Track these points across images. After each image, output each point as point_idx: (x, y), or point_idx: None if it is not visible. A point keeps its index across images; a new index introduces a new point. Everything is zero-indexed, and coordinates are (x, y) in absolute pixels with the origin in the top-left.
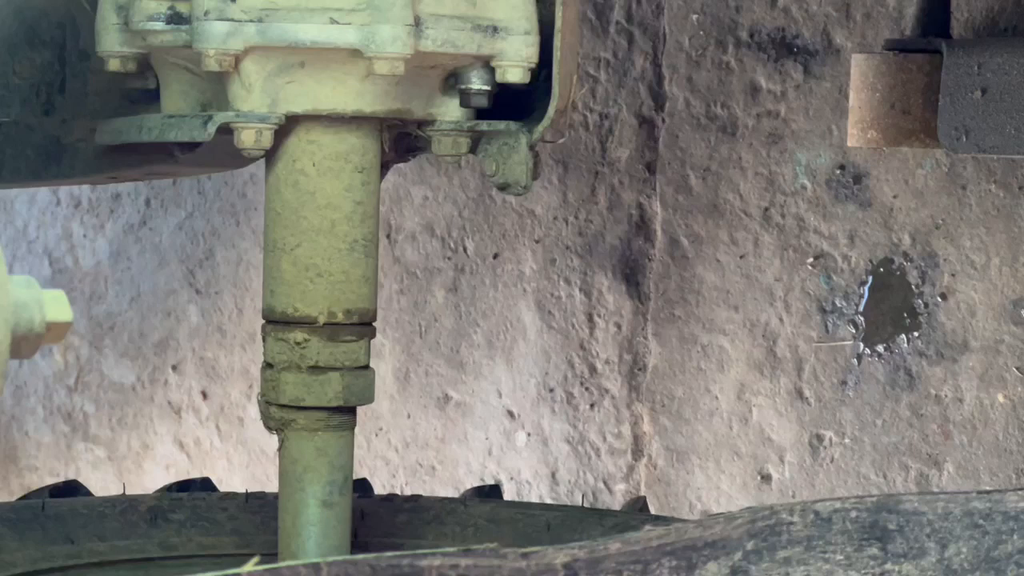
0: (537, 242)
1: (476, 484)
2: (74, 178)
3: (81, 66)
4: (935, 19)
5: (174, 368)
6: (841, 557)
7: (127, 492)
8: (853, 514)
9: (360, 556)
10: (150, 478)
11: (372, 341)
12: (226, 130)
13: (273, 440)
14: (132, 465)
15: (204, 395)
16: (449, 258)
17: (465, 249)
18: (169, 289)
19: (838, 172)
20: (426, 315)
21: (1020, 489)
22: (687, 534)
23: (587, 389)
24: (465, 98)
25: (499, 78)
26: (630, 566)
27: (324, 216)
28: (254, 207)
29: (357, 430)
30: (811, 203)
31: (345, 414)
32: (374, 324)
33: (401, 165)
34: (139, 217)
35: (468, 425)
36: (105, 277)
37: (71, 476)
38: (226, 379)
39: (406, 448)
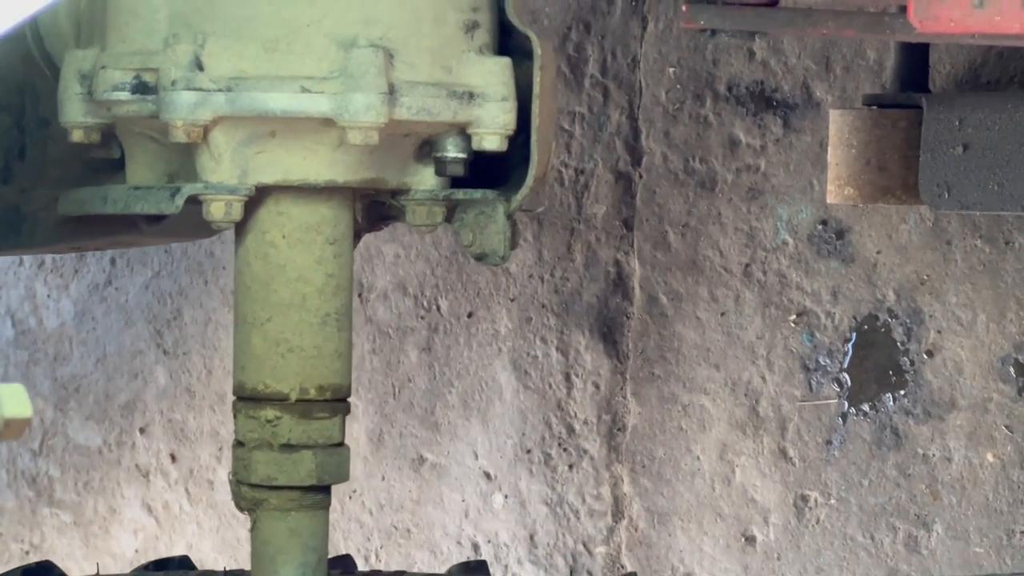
0: (512, 300)
1: (454, 546)
2: (35, 248)
3: (40, 133)
4: (915, 73)
5: (142, 431)
6: None
7: (99, 565)
8: None
9: None
10: (117, 543)
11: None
12: (193, 201)
13: None
14: (99, 530)
15: (173, 458)
16: (422, 317)
17: (439, 308)
18: (136, 350)
19: (820, 227)
20: (399, 375)
21: (1018, 573)
22: None
23: (565, 450)
24: (440, 166)
25: (475, 146)
26: None
27: (295, 289)
28: (222, 266)
29: None
30: (793, 259)
31: (319, 493)
32: (348, 400)
33: None
34: (104, 277)
35: (444, 487)
36: (70, 338)
37: (36, 542)
38: (195, 441)
39: (380, 511)
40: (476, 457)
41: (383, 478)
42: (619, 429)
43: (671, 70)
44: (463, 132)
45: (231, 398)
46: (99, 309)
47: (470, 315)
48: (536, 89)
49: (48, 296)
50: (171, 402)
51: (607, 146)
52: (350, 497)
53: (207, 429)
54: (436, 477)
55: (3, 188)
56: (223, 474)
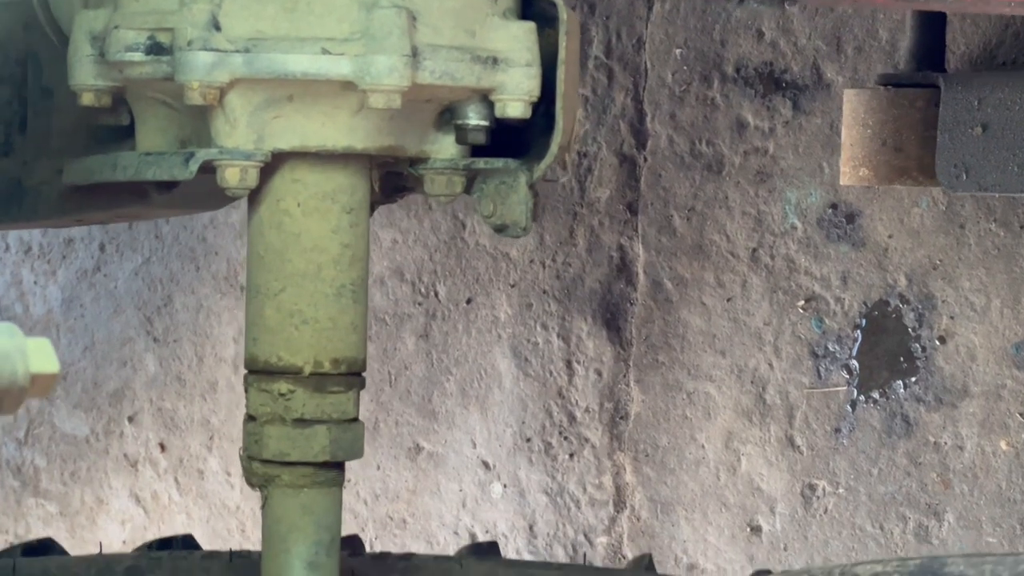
0: (512, 286)
1: (451, 536)
2: (36, 221)
3: (44, 105)
4: (930, 53)
5: (130, 419)
6: None
7: (101, 545)
8: None
9: None
10: (104, 534)
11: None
12: (206, 168)
13: (235, 493)
14: (85, 521)
15: (162, 447)
16: (420, 303)
17: (436, 294)
18: (125, 337)
19: (830, 211)
20: (396, 363)
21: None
22: None
23: (566, 438)
24: (462, 134)
25: (499, 113)
26: None
27: (310, 259)
28: (214, 252)
29: None
30: (802, 243)
31: (332, 469)
32: (363, 374)
33: None
34: (93, 263)
35: (441, 476)
36: (57, 325)
37: (21, 533)
38: (185, 430)
39: (375, 500)
40: (474, 446)
41: (379, 467)
42: (621, 417)
43: (678, 51)
44: (485, 99)
45: (221, 384)
46: (87, 296)
47: (469, 301)
48: (561, 55)
49: (35, 282)
50: (161, 390)
51: (611, 129)
52: (344, 487)
53: (197, 418)
54: (433, 466)
55: (3, 161)
56: (213, 463)
